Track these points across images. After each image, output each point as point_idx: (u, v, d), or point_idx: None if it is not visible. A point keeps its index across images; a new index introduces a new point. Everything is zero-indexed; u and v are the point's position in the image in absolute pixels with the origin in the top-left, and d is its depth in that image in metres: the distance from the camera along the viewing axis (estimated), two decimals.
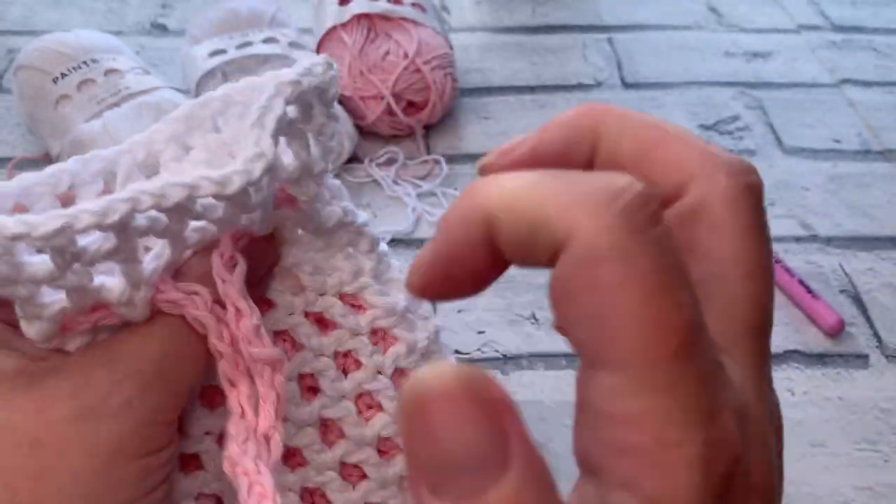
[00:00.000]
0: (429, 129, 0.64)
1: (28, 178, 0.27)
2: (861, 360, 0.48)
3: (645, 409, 0.16)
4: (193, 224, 0.25)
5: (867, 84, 0.70)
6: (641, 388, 0.16)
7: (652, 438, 0.15)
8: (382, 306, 0.30)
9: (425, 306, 0.32)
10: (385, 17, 0.62)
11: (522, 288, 0.52)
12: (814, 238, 0.56)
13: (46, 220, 0.21)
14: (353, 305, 0.30)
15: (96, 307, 0.25)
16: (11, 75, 0.59)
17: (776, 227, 0.56)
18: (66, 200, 0.27)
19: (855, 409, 0.45)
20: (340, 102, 0.60)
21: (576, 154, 0.20)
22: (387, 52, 0.61)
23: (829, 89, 0.70)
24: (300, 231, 0.30)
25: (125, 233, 0.23)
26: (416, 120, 0.61)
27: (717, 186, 0.19)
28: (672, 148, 0.20)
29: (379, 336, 0.30)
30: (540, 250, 0.17)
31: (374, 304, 0.30)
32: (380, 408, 0.30)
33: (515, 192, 0.17)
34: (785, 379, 0.47)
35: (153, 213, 0.23)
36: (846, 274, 0.53)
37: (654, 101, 0.68)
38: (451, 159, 0.61)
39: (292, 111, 0.28)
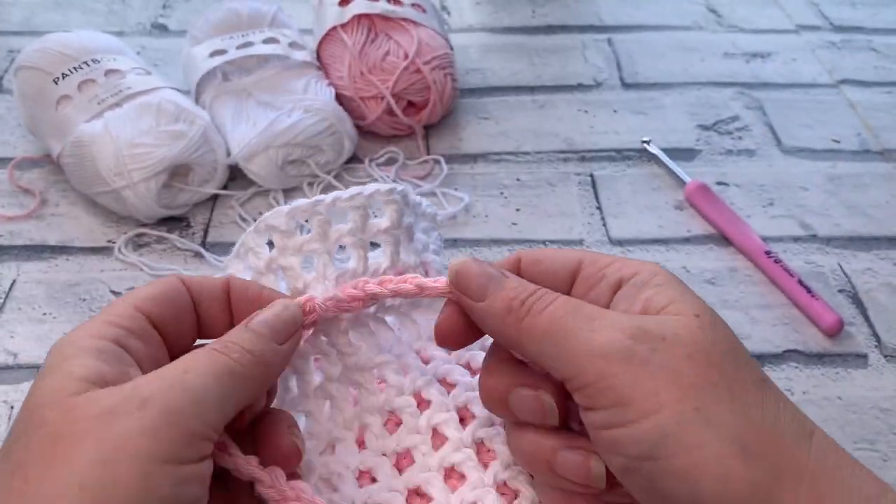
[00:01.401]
0: (429, 129, 0.64)
1: None
2: (860, 359, 0.48)
3: None
4: None
5: (866, 84, 0.71)
6: None
7: None
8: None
9: None
10: (385, 18, 0.62)
11: None
12: (813, 238, 0.56)
13: None
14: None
15: None
16: (12, 76, 0.59)
17: (775, 227, 0.56)
18: None
19: (854, 408, 0.45)
20: (340, 103, 0.60)
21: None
22: (387, 53, 0.61)
23: (828, 90, 0.70)
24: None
25: None
26: (416, 120, 0.61)
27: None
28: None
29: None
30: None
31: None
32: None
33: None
34: (784, 378, 0.47)
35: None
36: (845, 274, 0.53)
37: (654, 102, 0.68)
38: (451, 159, 0.61)
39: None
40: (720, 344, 0.26)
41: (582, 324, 0.27)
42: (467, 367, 0.35)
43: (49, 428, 0.24)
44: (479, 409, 0.33)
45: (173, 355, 0.29)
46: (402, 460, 0.33)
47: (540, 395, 0.29)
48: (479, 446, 0.33)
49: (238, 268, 0.35)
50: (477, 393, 0.32)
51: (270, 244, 0.34)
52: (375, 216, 0.35)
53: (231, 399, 0.27)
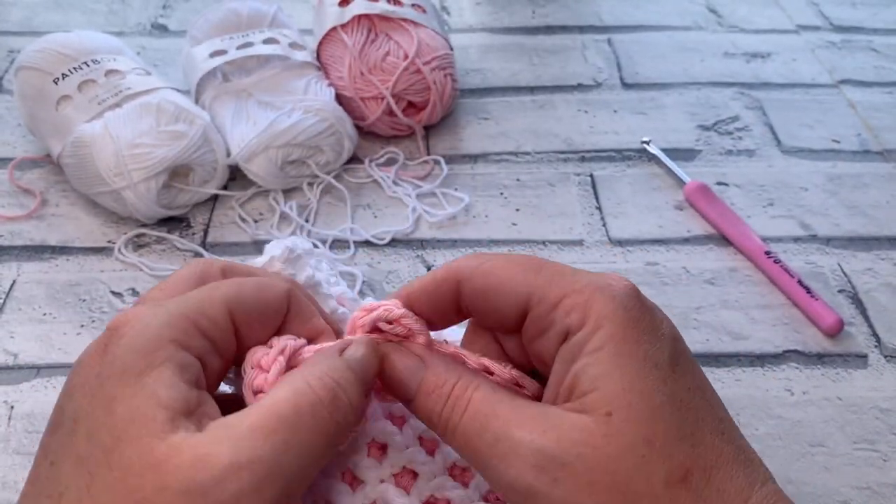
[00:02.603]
0: (429, 129, 0.64)
1: None
2: (860, 359, 0.48)
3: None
4: None
5: (866, 84, 0.71)
6: None
7: None
8: None
9: None
10: (385, 18, 0.62)
11: None
12: (813, 238, 0.56)
13: None
14: None
15: None
16: (12, 76, 0.59)
17: (775, 227, 0.56)
18: None
19: (854, 408, 0.45)
20: (340, 103, 0.60)
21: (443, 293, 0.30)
22: (387, 53, 0.61)
23: (828, 90, 0.70)
24: None
25: None
26: (416, 120, 0.62)
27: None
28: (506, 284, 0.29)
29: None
30: (509, 318, 0.29)
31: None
32: None
33: (486, 279, 0.29)
34: (784, 379, 0.47)
35: None
36: (845, 274, 0.53)
37: (654, 102, 0.68)
38: (450, 159, 0.61)
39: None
40: (629, 453, 0.24)
41: (493, 442, 0.25)
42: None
43: (132, 481, 0.22)
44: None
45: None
46: None
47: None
48: None
49: None
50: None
51: None
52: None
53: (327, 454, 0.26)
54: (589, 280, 0.27)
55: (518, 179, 0.60)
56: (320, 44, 0.64)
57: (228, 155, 0.57)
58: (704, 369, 0.28)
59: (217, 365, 0.26)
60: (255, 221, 0.56)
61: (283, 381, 0.26)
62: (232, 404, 0.27)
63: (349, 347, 0.28)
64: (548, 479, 0.24)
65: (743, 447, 0.26)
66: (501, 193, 0.59)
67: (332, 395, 0.25)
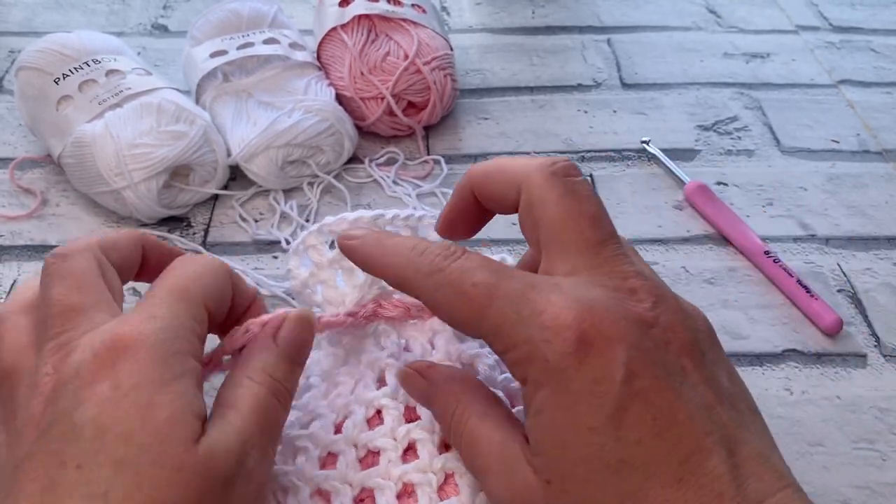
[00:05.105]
0: (429, 129, 0.64)
1: None
2: (859, 359, 0.48)
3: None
4: None
5: (865, 85, 0.71)
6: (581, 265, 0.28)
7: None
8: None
9: None
10: (385, 18, 0.62)
11: None
12: (812, 238, 0.56)
13: None
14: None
15: None
16: (13, 76, 0.59)
17: (774, 227, 0.56)
18: None
19: (853, 408, 0.45)
20: (341, 103, 0.60)
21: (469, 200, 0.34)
22: (387, 53, 0.61)
23: (827, 90, 0.70)
24: None
25: None
26: (417, 120, 0.62)
27: (533, 181, 0.30)
28: (506, 168, 0.32)
29: None
30: (508, 198, 0.31)
31: None
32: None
33: (488, 166, 0.33)
34: (783, 378, 0.47)
35: None
36: (844, 274, 0.53)
37: (653, 102, 0.68)
38: (450, 159, 0.61)
39: None
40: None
41: (477, 475, 0.30)
42: None
43: (182, 477, 0.25)
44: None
45: None
46: (368, 459, 0.33)
47: None
48: (448, 477, 0.32)
49: (296, 263, 0.38)
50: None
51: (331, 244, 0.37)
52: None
53: None
54: (528, 334, 0.27)
55: None
56: (320, 44, 0.64)
57: (229, 155, 0.57)
58: None
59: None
60: (256, 221, 0.56)
61: (233, 382, 0.30)
62: None
63: (281, 329, 0.31)
64: None
65: (713, 486, 0.25)
66: None
67: (275, 393, 0.30)
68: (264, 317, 0.32)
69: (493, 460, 0.28)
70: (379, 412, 0.34)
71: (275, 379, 0.30)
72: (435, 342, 0.36)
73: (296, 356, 0.31)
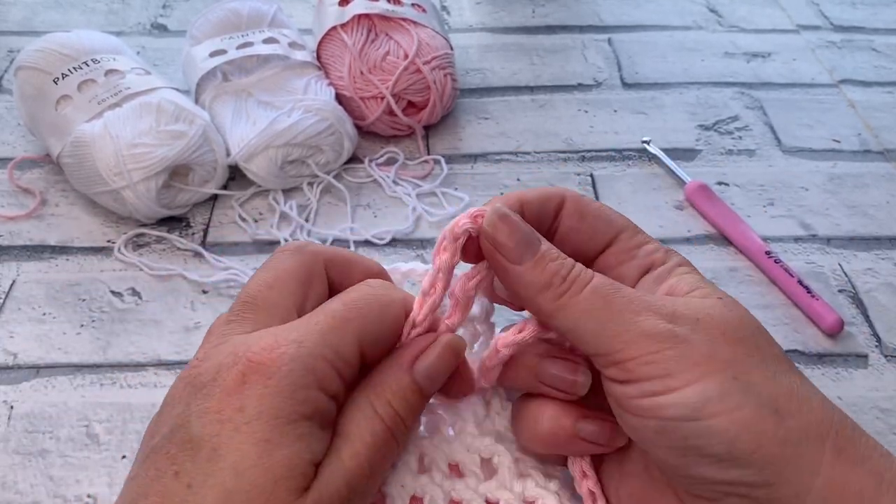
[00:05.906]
0: (429, 129, 0.64)
1: None
2: (860, 359, 0.48)
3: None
4: None
5: (866, 84, 0.71)
6: None
7: None
8: None
9: None
10: (385, 18, 0.62)
11: None
12: (813, 238, 0.56)
13: None
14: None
15: None
16: (12, 76, 0.59)
17: (775, 227, 0.56)
18: None
19: (854, 408, 0.45)
20: (340, 103, 0.60)
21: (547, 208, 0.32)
22: (387, 53, 0.61)
23: (828, 89, 0.70)
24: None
25: None
26: (417, 120, 0.61)
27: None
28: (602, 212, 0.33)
29: None
30: None
31: None
32: None
33: None
34: None
35: None
36: (845, 274, 0.53)
37: (654, 101, 0.68)
38: (450, 159, 0.61)
39: None
40: (746, 322, 0.29)
41: (622, 306, 0.28)
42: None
43: None
44: None
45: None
46: None
47: (578, 368, 0.30)
48: None
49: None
50: None
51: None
52: None
53: None
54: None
55: (518, 179, 0.60)
56: (320, 43, 0.64)
57: (228, 155, 0.57)
58: None
59: (343, 398, 0.28)
60: (255, 221, 0.56)
61: (356, 404, 0.28)
62: None
63: (423, 356, 0.29)
64: (686, 328, 0.28)
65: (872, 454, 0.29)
66: (501, 193, 0.59)
67: (394, 432, 0.28)
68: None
69: (646, 295, 0.30)
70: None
71: (398, 414, 0.28)
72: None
73: (428, 390, 0.29)
